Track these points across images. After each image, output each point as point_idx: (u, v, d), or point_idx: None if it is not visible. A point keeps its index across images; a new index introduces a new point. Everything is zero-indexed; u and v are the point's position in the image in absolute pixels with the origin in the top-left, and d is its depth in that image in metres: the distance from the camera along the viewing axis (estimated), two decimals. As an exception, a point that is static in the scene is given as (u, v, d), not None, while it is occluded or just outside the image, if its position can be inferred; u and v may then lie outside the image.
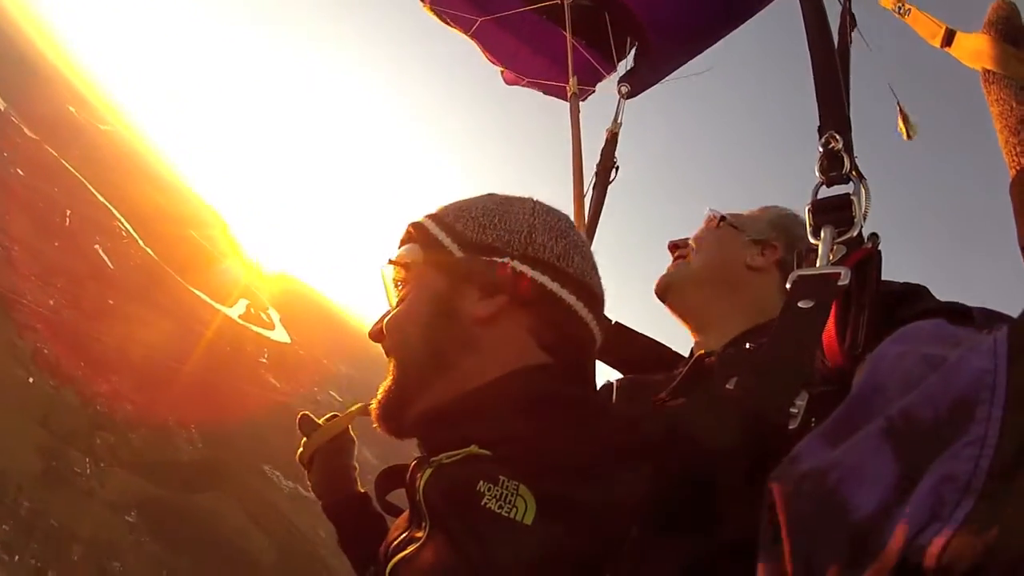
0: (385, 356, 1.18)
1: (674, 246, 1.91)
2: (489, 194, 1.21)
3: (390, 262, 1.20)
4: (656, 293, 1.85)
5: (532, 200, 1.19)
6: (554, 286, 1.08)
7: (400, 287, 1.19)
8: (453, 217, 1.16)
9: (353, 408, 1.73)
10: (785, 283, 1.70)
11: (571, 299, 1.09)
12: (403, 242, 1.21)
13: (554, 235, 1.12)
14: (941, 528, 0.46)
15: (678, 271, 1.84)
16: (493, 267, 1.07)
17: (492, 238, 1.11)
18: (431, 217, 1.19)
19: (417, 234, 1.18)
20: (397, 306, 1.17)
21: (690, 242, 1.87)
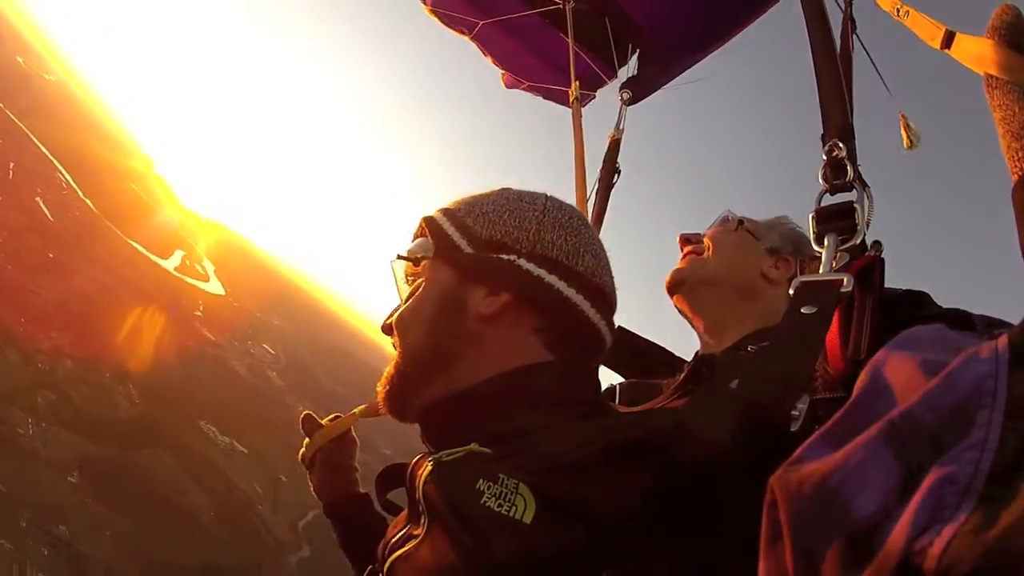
0: (392, 348, 1.18)
1: (686, 240, 1.88)
2: (503, 189, 1.20)
3: (399, 257, 1.20)
4: (668, 286, 1.82)
5: (545, 196, 1.19)
6: (560, 285, 1.08)
7: (410, 282, 1.19)
8: (464, 212, 1.16)
9: (356, 410, 1.74)
10: None
11: (578, 298, 1.08)
12: (415, 236, 1.21)
13: (564, 232, 1.12)
14: (942, 529, 0.46)
15: (693, 267, 1.80)
16: (499, 264, 1.08)
17: (501, 234, 1.11)
18: (443, 212, 1.19)
19: (428, 229, 1.18)
20: (406, 301, 1.17)
21: (705, 239, 1.84)
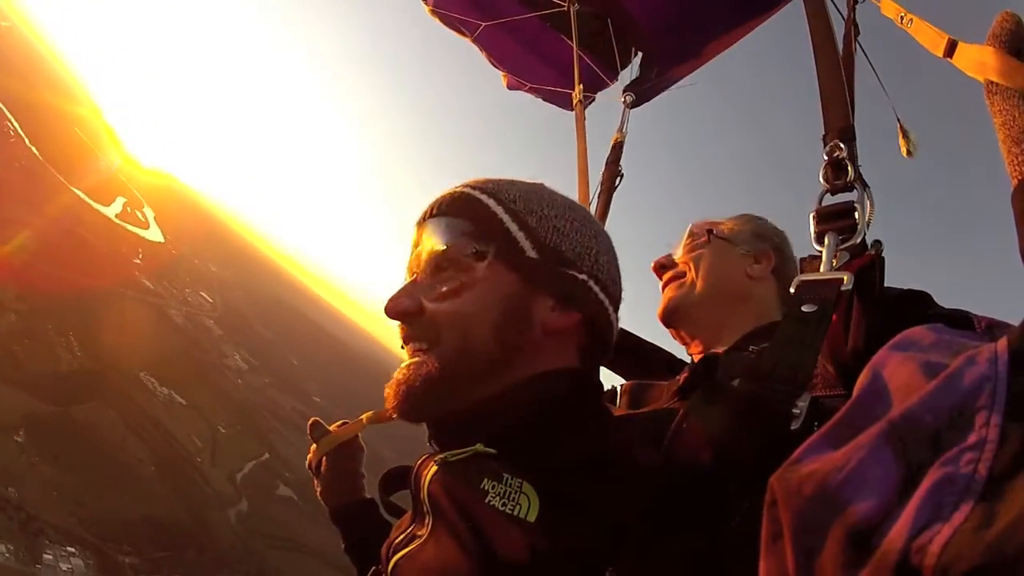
0: (401, 337, 1.11)
1: (661, 266, 1.87)
2: (543, 186, 1.16)
3: (435, 247, 1.08)
4: (662, 320, 1.81)
5: (588, 210, 1.20)
6: (613, 315, 1.11)
7: (444, 267, 1.07)
8: (524, 208, 1.08)
9: (364, 416, 1.73)
10: (783, 290, 1.69)
11: (618, 324, 1.12)
12: (451, 210, 1.10)
13: (610, 256, 1.14)
14: (941, 529, 0.47)
15: (683, 295, 1.77)
16: (572, 281, 1.06)
17: (566, 247, 1.07)
18: (501, 204, 1.08)
19: (484, 220, 1.07)
20: (445, 292, 1.05)
21: (679, 261, 1.84)
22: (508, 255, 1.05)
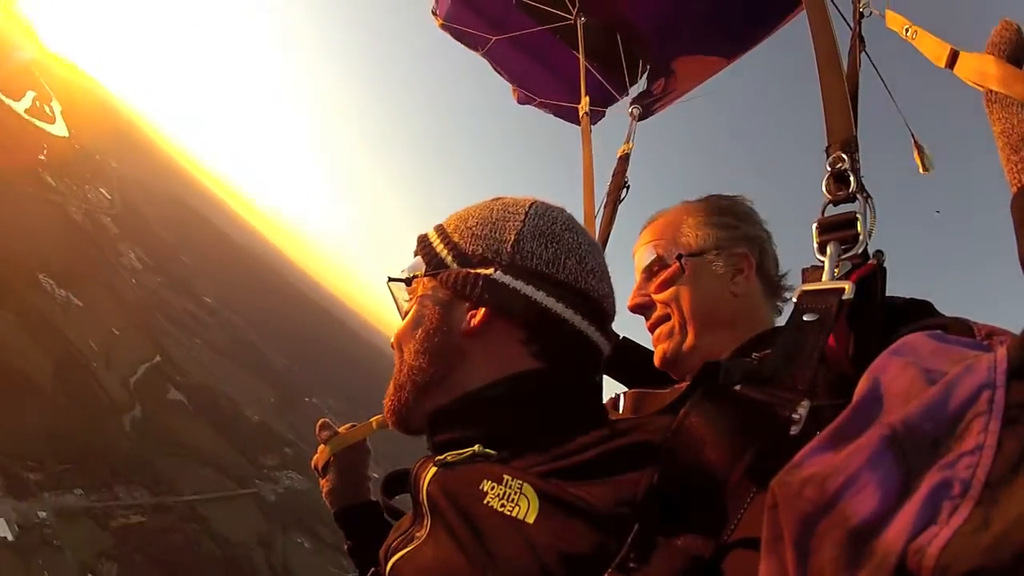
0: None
1: (641, 308, 1.75)
2: (493, 199, 1.21)
3: (392, 279, 1.22)
4: (660, 368, 1.71)
5: (529, 203, 1.17)
6: (538, 295, 1.07)
7: (409, 299, 1.21)
8: (453, 227, 1.17)
9: (373, 420, 1.74)
10: (767, 283, 1.67)
11: (559, 307, 1.08)
12: (414, 254, 1.22)
13: (544, 240, 1.11)
14: (939, 532, 0.48)
15: (675, 347, 1.65)
16: (477, 279, 1.09)
17: (482, 248, 1.11)
18: (437, 228, 1.21)
19: (421, 248, 1.20)
20: (403, 320, 1.19)
21: (657, 300, 1.71)
22: (435, 271, 1.14)
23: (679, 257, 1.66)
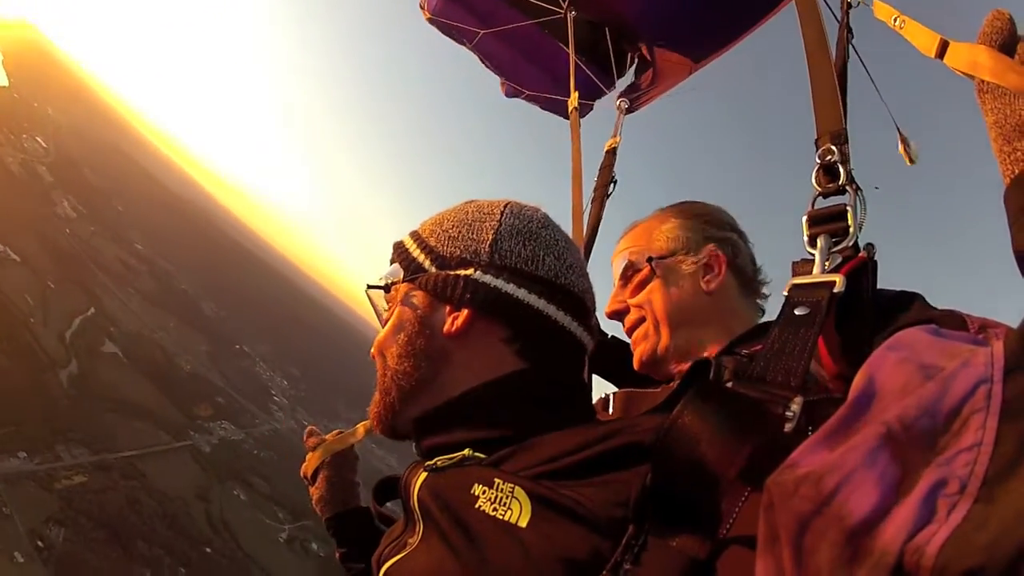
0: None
1: (617, 314, 1.79)
2: (466, 202, 1.21)
3: (371, 286, 1.21)
4: (640, 371, 1.74)
5: (504, 204, 1.17)
6: (520, 292, 1.07)
7: (389, 307, 1.20)
8: (429, 232, 1.17)
9: (360, 427, 1.75)
10: (742, 277, 1.69)
11: (540, 303, 1.08)
12: (391, 262, 1.22)
13: (521, 239, 1.11)
14: (937, 530, 0.47)
15: (651, 347, 1.69)
16: (457, 280, 1.08)
17: (460, 250, 1.11)
18: (412, 234, 1.21)
19: (397, 255, 1.20)
20: (384, 326, 1.19)
21: (632, 304, 1.75)
22: (413, 276, 1.14)
23: (649, 260, 1.70)
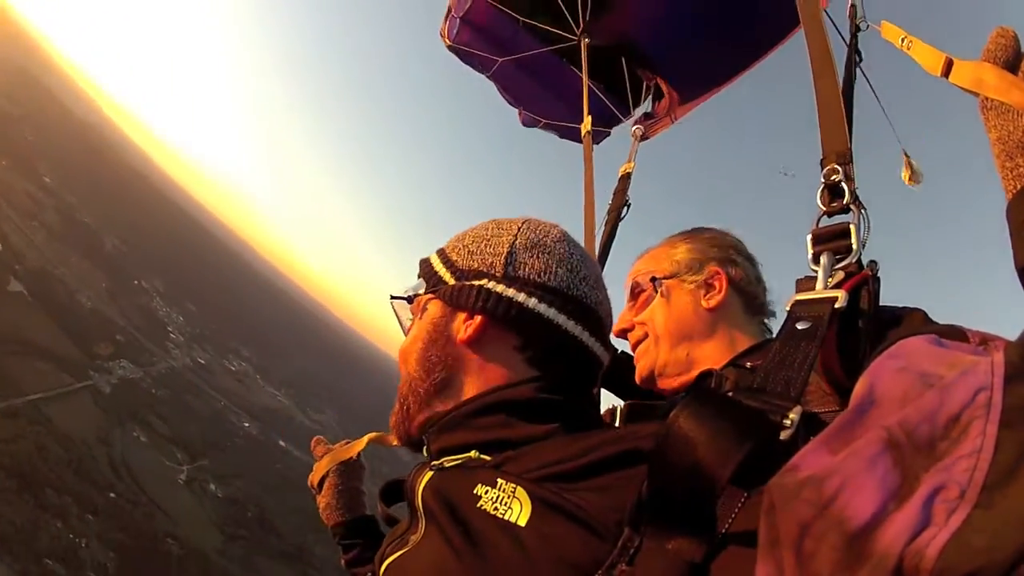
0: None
1: (623, 332, 1.82)
2: (490, 220, 1.24)
3: (395, 297, 1.27)
4: (641, 385, 1.78)
5: (522, 221, 1.20)
6: (531, 302, 1.09)
7: (412, 318, 1.25)
8: (451, 248, 1.21)
9: (366, 436, 1.77)
10: (747, 298, 1.72)
11: (551, 312, 1.10)
12: (417, 277, 1.27)
13: (536, 251, 1.14)
14: (937, 534, 0.47)
15: (651, 360, 1.73)
16: (472, 290, 1.11)
17: (478, 263, 1.15)
18: (438, 251, 1.24)
19: (423, 269, 1.24)
20: (405, 338, 1.23)
21: (636, 322, 1.80)
22: (434, 288, 1.19)
23: (653, 280, 1.76)
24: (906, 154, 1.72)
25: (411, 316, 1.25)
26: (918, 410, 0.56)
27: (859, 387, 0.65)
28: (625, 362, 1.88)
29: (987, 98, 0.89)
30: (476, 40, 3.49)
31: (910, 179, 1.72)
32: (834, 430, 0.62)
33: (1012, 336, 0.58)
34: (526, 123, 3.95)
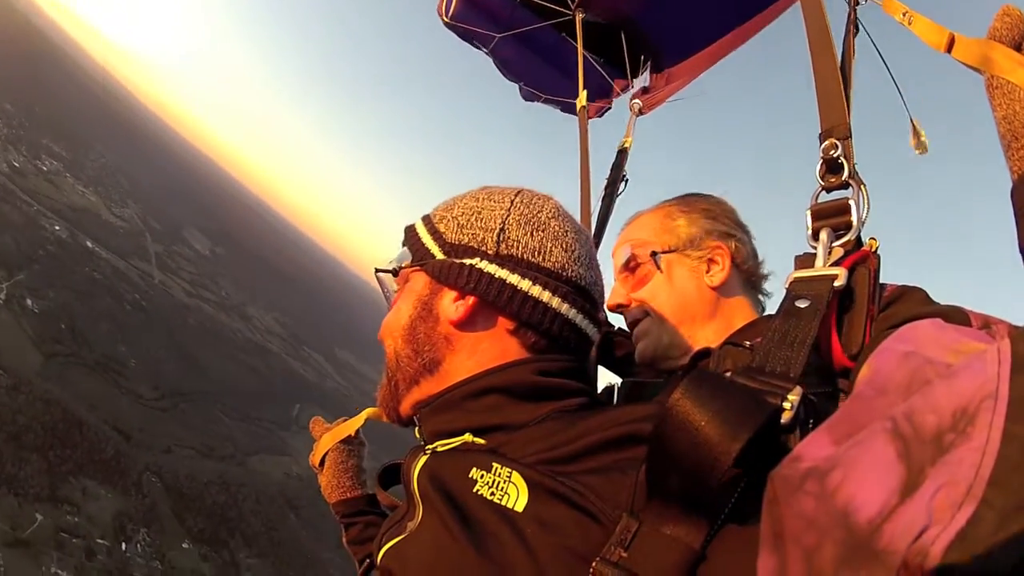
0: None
1: (619, 308, 1.72)
2: (479, 188, 1.18)
3: (379, 270, 1.21)
4: (640, 365, 1.70)
5: (515, 192, 1.14)
6: (524, 283, 1.05)
7: (397, 290, 1.19)
8: (439, 217, 1.14)
9: (363, 412, 1.74)
10: (746, 274, 1.64)
11: (544, 294, 1.05)
12: (401, 245, 1.21)
13: (530, 228, 1.08)
14: (943, 531, 0.46)
15: (652, 343, 1.64)
16: (463, 269, 1.06)
17: (468, 238, 1.09)
18: (423, 219, 1.18)
19: (408, 238, 1.18)
20: (390, 309, 1.17)
21: (634, 300, 1.68)
22: (421, 262, 1.12)
23: (653, 254, 1.65)
24: (913, 121, 1.66)
25: (396, 288, 1.20)
26: (924, 400, 0.54)
27: (864, 373, 0.63)
28: (620, 339, 1.82)
29: (993, 76, 0.87)
30: (474, 16, 3.45)
31: (917, 147, 1.66)
32: (838, 419, 0.60)
33: (1012, 317, 0.56)
34: (526, 98, 3.88)
